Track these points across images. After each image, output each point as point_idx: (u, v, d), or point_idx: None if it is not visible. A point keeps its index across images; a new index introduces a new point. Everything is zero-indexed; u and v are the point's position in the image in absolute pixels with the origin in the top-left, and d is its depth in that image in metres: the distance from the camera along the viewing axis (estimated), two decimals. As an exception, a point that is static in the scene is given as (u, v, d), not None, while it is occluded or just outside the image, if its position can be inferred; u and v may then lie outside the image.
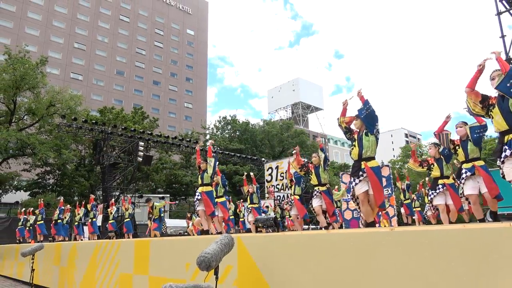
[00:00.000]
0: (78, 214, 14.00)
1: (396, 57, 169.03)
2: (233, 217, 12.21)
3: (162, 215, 12.50)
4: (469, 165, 5.11)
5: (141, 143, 22.33)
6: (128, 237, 12.58)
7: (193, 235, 12.44)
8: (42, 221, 13.77)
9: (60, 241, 13.01)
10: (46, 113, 23.83)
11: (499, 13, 12.96)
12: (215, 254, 3.35)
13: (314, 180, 7.23)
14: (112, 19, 54.91)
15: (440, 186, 6.00)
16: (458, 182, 5.47)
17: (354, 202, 5.00)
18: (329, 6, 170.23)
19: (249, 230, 11.87)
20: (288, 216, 11.95)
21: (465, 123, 5.25)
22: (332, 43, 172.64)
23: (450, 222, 5.85)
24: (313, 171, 7.22)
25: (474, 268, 2.37)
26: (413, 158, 6.62)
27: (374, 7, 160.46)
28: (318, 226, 11.25)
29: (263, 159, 29.09)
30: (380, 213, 9.25)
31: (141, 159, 21.89)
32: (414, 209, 12.24)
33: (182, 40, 61.83)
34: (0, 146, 21.41)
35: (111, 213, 13.65)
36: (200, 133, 35.70)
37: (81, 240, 13.59)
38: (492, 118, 4.15)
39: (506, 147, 3.98)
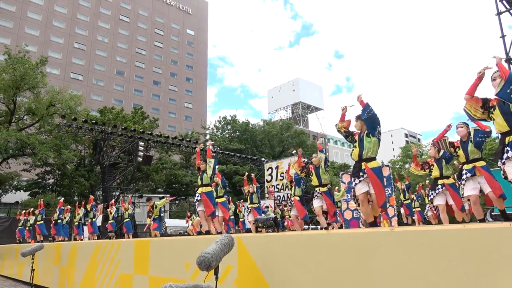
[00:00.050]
0: (78, 214, 14.00)
1: (396, 57, 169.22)
2: (233, 217, 12.21)
3: (162, 214, 12.51)
4: (470, 166, 5.12)
5: (141, 143, 22.33)
6: (128, 237, 12.58)
7: (193, 235, 12.44)
8: (42, 221, 13.77)
9: (60, 241, 13.02)
10: (46, 113, 23.83)
11: (499, 13, 12.97)
12: (215, 254, 3.35)
13: (314, 181, 7.23)
14: (112, 19, 54.91)
15: (439, 186, 6.03)
16: (459, 182, 5.48)
17: (355, 202, 5.01)
18: (329, 6, 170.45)
19: (249, 230, 11.87)
20: (288, 217, 11.95)
21: (466, 124, 5.26)
22: (332, 43, 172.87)
23: (455, 221, 5.86)
24: (313, 172, 7.23)
25: (474, 268, 2.37)
26: (415, 162, 6.65)
27: (374, 7, 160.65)
28: (318, 227, 11.26)
29: (263, 159, 29.11)
30: (380, 213, 9.23)
31: (141, 159, 21.89)
32: (413, 209, 12.23)
33: (182, 40, 61.84)
34: (0, 146, 21.40)
35: (111, 213, 13.65)
36: (200, 133, 35.72)
37: (81, 240, 13.59)
38: (493, 120, 4.17)
39: (508, 148, 4.01)
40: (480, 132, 5.06)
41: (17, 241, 15.20)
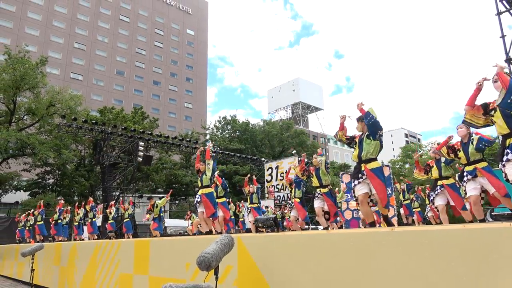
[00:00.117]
0: (78, 214, 14.00)
1: (396, 57, 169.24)
2: (233, 217, 12.22)
3: (162, 214, 12.51)
4: (471, 167, 5.13)
5: (141, 143, 22.34)
6: (128, 237, 12.59)
7: (192, 234, 12.44)
8: (42, 222, 13.77)
9: (60, 241, 13.02)
10: (46, 113, 23.83)
11: (499, 13, 12.98)
12: (215, 254, 3.35)
13: (315, 182, 7.25)
14: (112, 19, 54.91)
15: (439, 187, 6.05)
16: (460, 184, 5.50)
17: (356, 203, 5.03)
18: (329, 6, 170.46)
19: (249, 230, 11.88)
20: (287, 217, 11.96)
21: (467, 125, 5.25)
22: (332, 43, 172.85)
23: (458, 220, 5.86)
24: (313, 173, 7.24)
25: (474, 268, 2.37)
26: (418, 167, 6.67)
27: (374, 7, 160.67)
28: (318, 227, 11.26)
29: (263, 159, 29.10)
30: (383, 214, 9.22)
31: (141, 159, 21.90)
32: (413, 210, 12.23)
33: (182, 40, 61.83)
34: (0, 146, 21.40)
35: (110, 213, 13.65)
36: (200, 133, 35.71)
37: (81, 240, 13.59)
38: (494, 122, 4.19)
39: (508, 150, 4.02)
40: (485, 140, 5.08)
41: (17, 241, 15.21)
